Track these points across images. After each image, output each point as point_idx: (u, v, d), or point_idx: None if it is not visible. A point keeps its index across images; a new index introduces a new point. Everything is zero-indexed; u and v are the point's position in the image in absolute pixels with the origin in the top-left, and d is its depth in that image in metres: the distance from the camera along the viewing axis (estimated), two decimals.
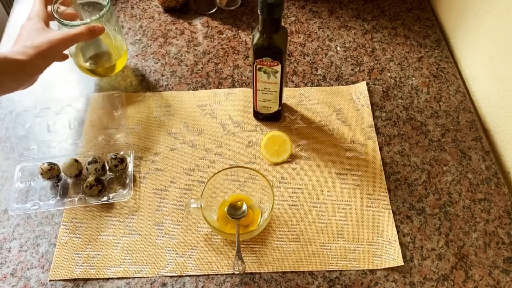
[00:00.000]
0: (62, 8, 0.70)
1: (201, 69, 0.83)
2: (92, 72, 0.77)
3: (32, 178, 0.68)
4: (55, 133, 0.73)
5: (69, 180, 0.68)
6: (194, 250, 0.62)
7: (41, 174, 0.66)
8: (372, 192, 0.67)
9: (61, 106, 0.75)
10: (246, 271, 0.60)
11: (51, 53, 0.61)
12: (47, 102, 0.76)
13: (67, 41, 0.62)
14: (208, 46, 0.86)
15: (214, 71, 0.82)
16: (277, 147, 0.70)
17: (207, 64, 0.83)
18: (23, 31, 0.62)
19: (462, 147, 0.72)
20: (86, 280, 0.60)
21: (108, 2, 0.70)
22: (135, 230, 0.64)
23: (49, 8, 0.67)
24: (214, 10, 0.92)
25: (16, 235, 0.64)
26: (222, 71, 0.82)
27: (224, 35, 0.88)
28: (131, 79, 0.81)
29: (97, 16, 0.68)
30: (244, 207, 0.63)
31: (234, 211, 0.63)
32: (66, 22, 0.66)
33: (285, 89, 0.75)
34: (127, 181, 0.68)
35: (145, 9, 0.93)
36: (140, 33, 0.89)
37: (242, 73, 0.82)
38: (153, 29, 0.89)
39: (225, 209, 0.63)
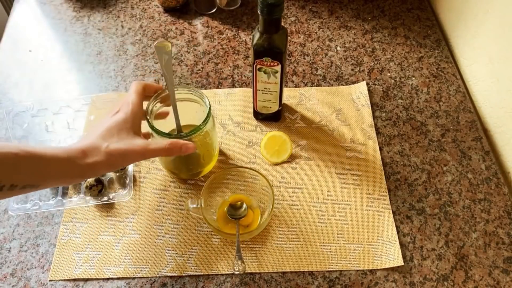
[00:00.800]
0: (158, 106, 0.60)
1: (201, 69, 0.83)
2: (174, 174, 0.69)
3: None
4: (54, 133, 0.73)
5: None
6: (194, 250, 0.62)
7: None
8: (372, 192, 0.67)
9: (59, 106, 0.75)
10: (246, 271, 0.60)
11: (121, 163, 0.52)
12: (45, 102, 0.76)
13: (144, 155, 0.52)
14: (208, 46, 0.86)
15: (214, 71, 0.82)
16: (277, 147, 0.70)
17: (207, 64, 0.83)
18: (106, 123, 0.52)
19: (462, 147, 0.72)
20: (86, 280, 0.60)
21: (209, 111, 0.59)
22: (135, 230, 0.64)
23: (145, 106, 0.57)
24: (214, 10, 0.92)
25: (16, 235, 0.64)
26: (222, 71, 0.82)
27: (224, 35, 0.88)
28: (131, 80, 0.81)
29: (196, 130, 0.57)
30: (244, 207, 0.63)
31: (234, 211, 0.63)
32: (158, 130, 0.57)
33: (285, 89, 0.75)
34: (127, 181, 0.68)
35: (145, 9, 0.93)
36: (140, 33, 0.89)
37: (242, 73, 0.82)
38: (153, 29, 0.89)
39: (225, 209, 0.63)
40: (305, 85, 0.80)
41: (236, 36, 0.88)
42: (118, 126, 0.51)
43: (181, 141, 0.55)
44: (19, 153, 0.44)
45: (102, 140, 0.50)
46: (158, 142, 0.54)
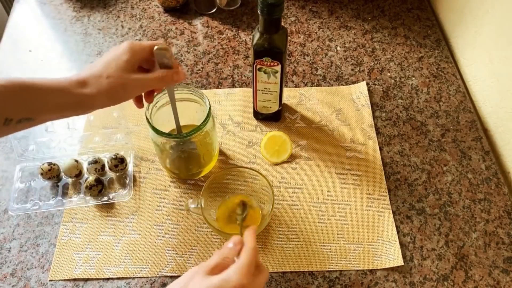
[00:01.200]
0: (159, 105, 0.61)
1: (201, 69, 0.83)
2: (174, 174, 0.69)
3: (32, 178, 0.68)
4: (54, 133, 0.73)
5: (69, 180, 0.68)
6: (194, 250, 0.62)
7: (41, 174, 0.66)
8: (372, 192, 0.67)
9: None
10: None
11: (121, 94, 0.51)
12: None
13: (143, 86, 0.53)
14: (208, 46, 0.86)
15: (214, 71, 0.82)
16: (277, 147, 0.70)
17: (207, 64, 0.83)
18: (105, 58, 0.51)
19: (462, 147, 0.72)
20: (86, 280, 0.60)
21: (209, 111, 0.59)
22: (135, 230, 0.64)
23: (144, 108, 0.59)
24: (214, 10, 0.92)
25: (16, 235, 0.64)
26: (222, 71, 0.82)
27: (224, 35, 0.88)
28: None
29: (196, 130, 0.58)
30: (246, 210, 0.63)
31: (240, 211, 0.62)
32: (158, 131, 0.58)
33: (285, 89, 0.75)
34: (127, 181, 0.68)
35: (145, 9, 0.93)
36: (140, 33, 0.89)
37: (242, 73, 0.82)
38: (153, 29, 0.89)
39: (236, 210, 0.62)
40: (305, 85, 0.80)
41: (236, 36, 0.88)
42: (116, 59, 0.51)
43: (173, 71, 0.54)
44: (7, 85, 0.44)
45: (103, 69, 0.50)
46: (154, 73, 0.54)
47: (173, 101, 0.59)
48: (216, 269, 0.45)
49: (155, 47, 0.53)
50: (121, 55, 0.51)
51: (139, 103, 0.58)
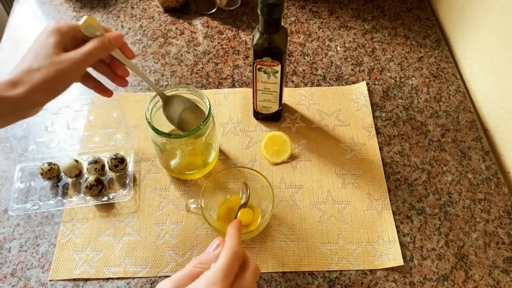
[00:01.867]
0: (158, 106, 0.59)
1: (201, 69, 0.83)
2: (174, 174, 0.69)
3: (32, 178, 0.68)
4: (53, 133, 0.73)
5: (69, 180, 0.68)
6: (194, 250, 0.62)
7: (41, 174, 0.66)
8: (372, 192, 0.67)
9: (58, 107, 0.75)
10: None
11: (60, 83, 0.46)
12: None
13: (80, 63, 0.47)
14: (208, 46, 0.86)
15: (214, 71, 0.82)
16: (277, 147, 0.70)
17: (207, 64, 0.83)
18: (31, 49, 0.47)
19: (462, 147, 0.72)
20: (86, 280, 0.60)
21: (209, 111, 0.59)
22: (135, 230, 0.64)
23: (145, 108, 0.55)
24: (214, 10, 0.92)
25: (16, 235, 0.64)
26: (222, 71, 0.82)
27: (224, 35, 0.88)
28: (130, 80, 0.81)
29: (196, 130, 0.58)
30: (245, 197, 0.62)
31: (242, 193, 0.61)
32: (158, 130, 0.57)
33: (285, 89, 0.75)
34: (127, 181, 0.68)
35: (145, 9, 0.93)
36: (140, 33, 0.89)
37: (242, 73, 0.82)
38: (153, 29, 0.89)
39: (237, 215, 0.62)
40: (305, 85, 0.80)
41: (236, 36, 0.88)
42: (43, 46, 0.46)
43: (106, 35, 0.48)
44: None
45: (32, 62, 0.45)
46: (86, 45, 0.48)
47: (128, 64, 0.54)
48: (187, 280, 0.40)
49: (81, 23, 0.48)
50: (47, 40, 0.46)
51: (104, 91, 0.53)
